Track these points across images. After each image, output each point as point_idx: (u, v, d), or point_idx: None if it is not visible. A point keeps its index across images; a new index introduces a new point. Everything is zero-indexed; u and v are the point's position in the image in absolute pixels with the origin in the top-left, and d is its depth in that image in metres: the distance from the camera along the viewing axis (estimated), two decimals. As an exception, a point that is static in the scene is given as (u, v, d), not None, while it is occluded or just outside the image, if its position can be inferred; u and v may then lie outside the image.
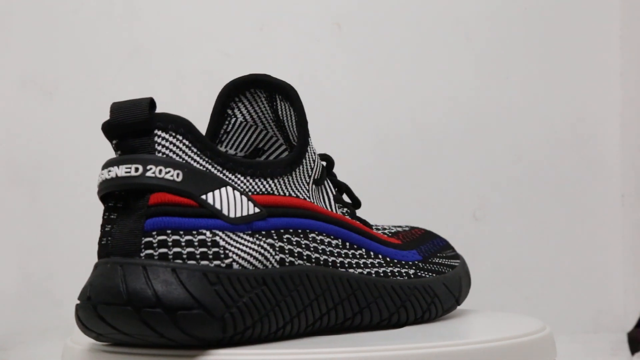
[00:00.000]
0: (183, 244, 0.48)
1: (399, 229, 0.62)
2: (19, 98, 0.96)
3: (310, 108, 0.99)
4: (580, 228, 1.01)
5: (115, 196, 0.49)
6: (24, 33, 0.96)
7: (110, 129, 0.49)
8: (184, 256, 0.48)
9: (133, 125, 0.49)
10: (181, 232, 0.48)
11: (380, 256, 0.57)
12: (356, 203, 0.61)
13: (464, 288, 0.62)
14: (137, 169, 0.48)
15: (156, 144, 0.49)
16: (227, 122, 0.58)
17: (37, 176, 0.95)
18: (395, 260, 0.58)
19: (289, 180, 0.53)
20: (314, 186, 0.56)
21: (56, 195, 0.94)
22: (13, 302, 0.94)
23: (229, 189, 0.50)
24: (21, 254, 0.95)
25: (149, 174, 0.48)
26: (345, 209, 0.58)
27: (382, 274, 0.57)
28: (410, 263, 0.58)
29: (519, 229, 1.00)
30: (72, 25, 0.96)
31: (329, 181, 0.58)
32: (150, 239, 0.48)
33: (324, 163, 0.59)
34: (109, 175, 0.49)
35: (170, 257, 0.48)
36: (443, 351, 0.50)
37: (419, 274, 0.58)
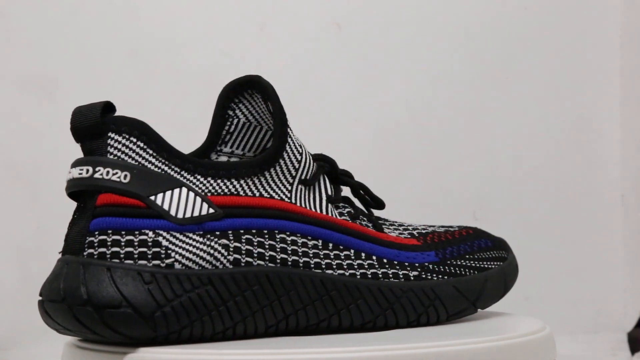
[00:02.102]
0: (123, 243, 0.50)
1: (438, 229, 0.61)
2: (19, 98, 0.96)
3: (309, 108, 0.99)
4: (580, 228, 1.01)
5: (83, 197, 0.52)
6: (24, 33, 0.96)
7: (73, 133, 0.52)
8: (122, 256, 0.50)
9: (88, 129, 0.51)
10: (123, 232, 0.50)
11: (374, 257, 0.56)
12: (379, 203, 0.60)
13: (488, 292, 0.59)
14: (87, 171, 0.51)
15: (109, 146, 0.51)
16: (229, 123, 0.58)
17: (37, 176, 0.96)
18: (395, 262, 0.57)
19: (260, 181, 0.54)
20: (300, 186, 0.55)
21: (56, 196, 0.94)
22: (13, 302, 0.94)
23: (184, 189, 0.52)
24: (21, 254, 0.95)
25: (96, 175, 0.51)
26: (348, 210, 0.58)
27: (370, 276, 0.56)
28: (417, 265, 0.57)
29: (519, 229, 1.00)
30: (72, 25, 0.96)
31: (326, 182, 0.57)
32: (93, 238, 0.50)
33: (325, 164, 0.59)
34: (69, 176, 0.52)
35: (108, 256, 0.50)
36: (442, 351, 0.50)
37: (424, 275, 0.57)
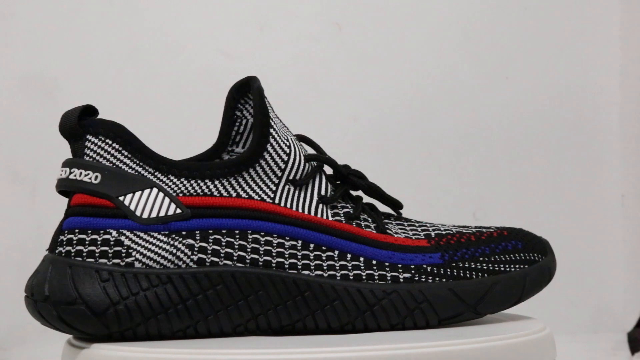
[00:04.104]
0: (87, 242, 0.52)
1: (466, 230, 0.59)
2: (19, 98, 0.96)
3: (309, 108, 0.99)
4: (580, 228, 1.01)
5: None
6: (24, 33, 0.96)
7: (62, 135, 0.55)
8: (84, 254, 0.52)
9: (68, 131, 0.54)
10: (89, 232, 0.53)
11: (361, 259, 0.55)
12: (394, 204, 0.60)
13: (495, 296, 0.56)
14: (65, 172, 0.54)
15: (86, 148, 0.54)
16: (237, 124, 0.59)
17: (37, 176, 0.96)
18: (387, 264, 0.56)
19: (237, 181, 0.54)
20: (288, 186, 0.55)
21: (56, 196, 0.94)
22: (13, 302, 0.94)
23: (154, 190, 0.53)
24: (21, 254, 0.95)
25: (71, 176, 0.54)
26: (346, 210, 0.57)
27: (352, 277, 0.55)
28: (412, 267, 0.56)
29: (519, 229, 1.00)
30: (72, 25, 0.96)
31: (321, 182, 0.57)
32: (63, 237, 0.53)
33: (325, 164, 0.58)
34: (58, 176, 0.55)
35: (72, 254, 0.52)
36: (443, 351, 0.50)
37: (417, 278, 0.56)
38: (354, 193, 0.60)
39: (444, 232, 0.58)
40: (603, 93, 1.02)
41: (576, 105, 1.02)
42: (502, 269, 0.57)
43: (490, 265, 0.57)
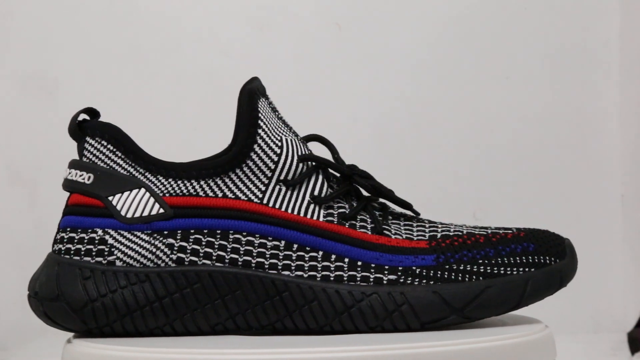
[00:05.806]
0: (76, 241, 0.55)
1: (479, 232, 0.57)
2: (19, 98, 0.96)
3: (309, 108, 0.99)
4: (580, 228, 1.01)
5: None
6: (24, 33, 0.96)
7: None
8: (72, 252, 0.55)
9: (71, 134, 0.56)
10: (79, 230, 0.55)
11: (346, 260, 0.54)
12: (404, 205, 0.59)
13: (488, 300, 0.54)
14: (66, 172, 0.57)
15: (84, 150, 0.56)
16: None
17: (37, 176, 0.96)
18: (373, 265, 0.54)
19: (224, 182, 0.55)
20: (279, 187, 0.55)
21: (56, 196, 0.94)
22: (13, 302, 0.94)
23: (142, 190, 0.55)
24: (21, 254, 0.95)
25: (68, 177, 0.56)
26: (341, 210, 0.56)
27: (332, 278, 0.54)
28: (400, 268, 0.54)
29: (519, 229, 1.00)
30: (72, 25, 0.96)
31: (317, 182, 0.56)
32: (58, 235, 0.56)
33: (322, 164, 0.58)
34: None
35: (63, 252, 0.55)
36: (442, 350, 0.50)
37: (402, 280, 0.54)
38: (365, 193, 0.59)
39: (451, 233, 0.56)
40: (603, 93, 1.02)
41: (576, 105, 1.02)
42: (502, 272, 0.55)
43: (489, 268, 0.55)
